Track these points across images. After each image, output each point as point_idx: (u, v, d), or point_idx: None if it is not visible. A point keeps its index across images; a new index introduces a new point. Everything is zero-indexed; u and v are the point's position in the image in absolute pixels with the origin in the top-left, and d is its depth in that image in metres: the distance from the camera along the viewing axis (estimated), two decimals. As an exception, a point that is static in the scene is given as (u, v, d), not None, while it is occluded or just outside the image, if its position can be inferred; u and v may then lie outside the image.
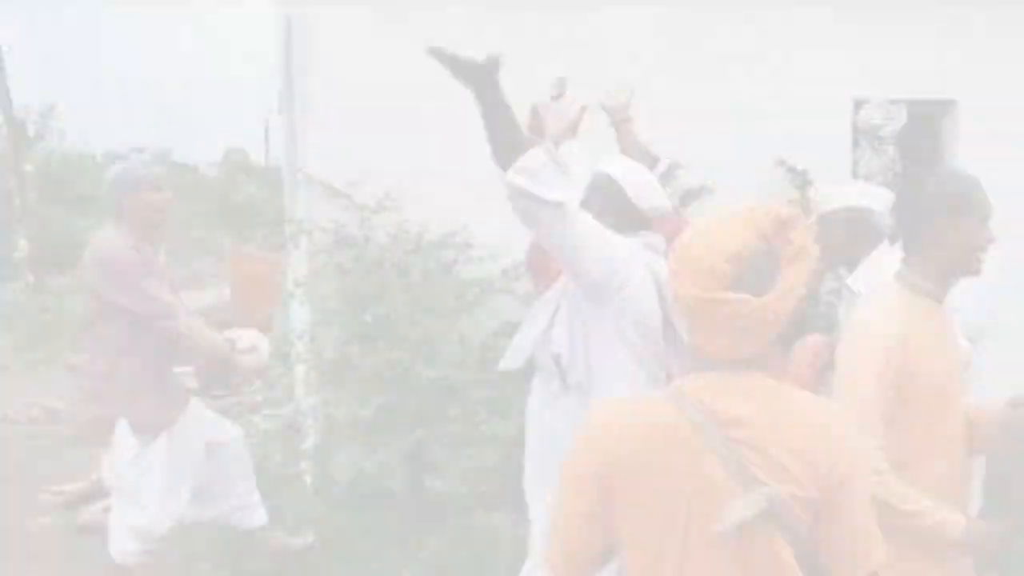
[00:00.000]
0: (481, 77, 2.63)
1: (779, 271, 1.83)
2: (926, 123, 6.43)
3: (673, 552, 1.83)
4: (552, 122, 3.56)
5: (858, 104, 6.12)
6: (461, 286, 5.36)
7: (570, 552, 1.94)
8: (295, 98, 6.10)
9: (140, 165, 4.35)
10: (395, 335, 5.04)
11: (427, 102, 5.23)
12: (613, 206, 3.03)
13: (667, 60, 5.82)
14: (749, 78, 5.92)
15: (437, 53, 2.63)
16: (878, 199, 3.68)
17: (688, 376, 1.90)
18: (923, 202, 2.65)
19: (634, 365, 2.86)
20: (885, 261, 3.34)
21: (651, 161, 3.70)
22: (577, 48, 5.55)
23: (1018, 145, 5.98)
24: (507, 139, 2.70)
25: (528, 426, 3.09)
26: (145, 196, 4.18)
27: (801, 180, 5.94)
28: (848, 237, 3.64)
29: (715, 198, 5.70)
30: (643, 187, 3.11)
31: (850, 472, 1.85)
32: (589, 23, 5.78)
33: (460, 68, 2.64)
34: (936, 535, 2.48)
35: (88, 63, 52.75)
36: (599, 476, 1.87)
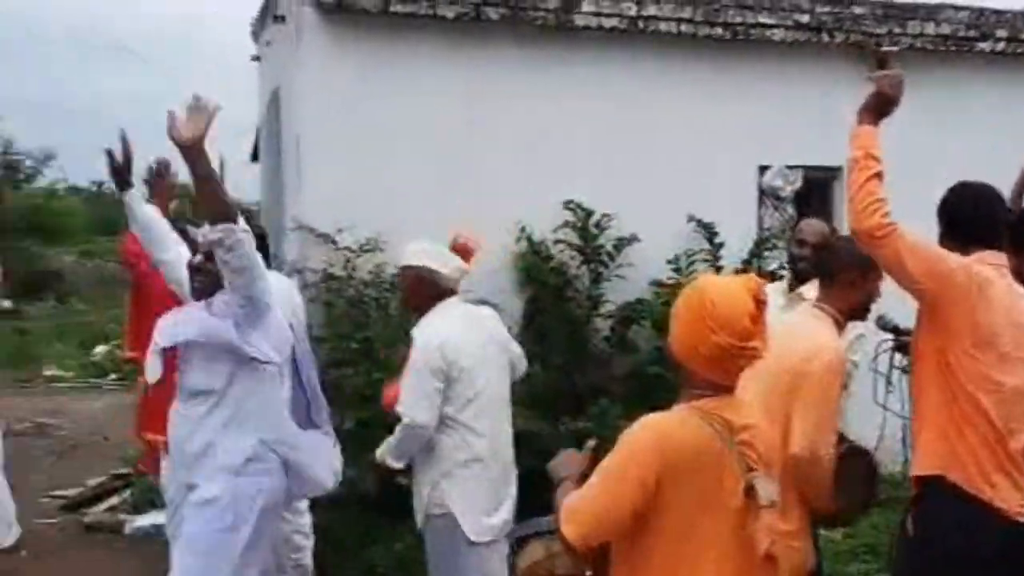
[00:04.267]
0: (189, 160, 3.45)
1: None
2: (819, 187, 7.40)
3: (705, 528, 2.35)
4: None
5: (762, 169, 7.20)
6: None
7: (600, 522, 2.34)
8: (293, 153, 6.98)
9: None
10: (374, 360, 5.90)
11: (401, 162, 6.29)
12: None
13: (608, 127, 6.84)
14: (670, 144, 6.92)
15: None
16: (444, 262, 4.06)
17: (696, 400, 2.41)
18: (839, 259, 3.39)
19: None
20: (453, 312, 4.05)
21: None
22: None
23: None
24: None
25: None
26: None
27: (709, 233, 6.89)
28: (415, 289, 4.15)
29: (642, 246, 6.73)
30: None
31: None
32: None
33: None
34: None
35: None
36: (658, 475, 2.30)
